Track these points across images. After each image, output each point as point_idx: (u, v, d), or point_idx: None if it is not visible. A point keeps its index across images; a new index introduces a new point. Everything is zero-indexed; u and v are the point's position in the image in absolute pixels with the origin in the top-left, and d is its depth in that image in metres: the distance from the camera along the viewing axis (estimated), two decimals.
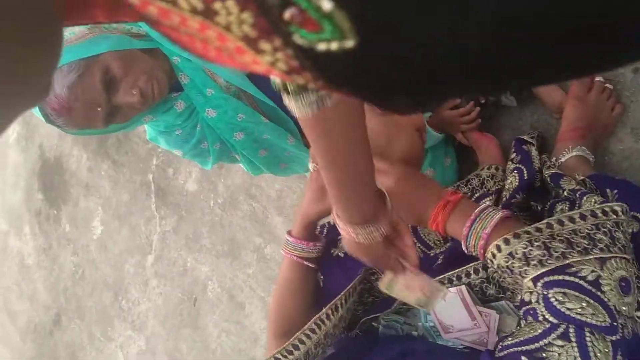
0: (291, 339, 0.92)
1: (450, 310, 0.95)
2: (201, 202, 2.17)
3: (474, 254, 0.86)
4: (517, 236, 0.79)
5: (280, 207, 1.92)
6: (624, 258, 0.81)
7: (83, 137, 2.70)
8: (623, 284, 0.78)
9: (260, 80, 1.31)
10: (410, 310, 1.06)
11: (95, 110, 1.04)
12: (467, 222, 0.85)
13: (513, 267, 0.78)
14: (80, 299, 2.77)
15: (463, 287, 0.94)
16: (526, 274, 0.76)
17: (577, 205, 1.08)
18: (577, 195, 1.08)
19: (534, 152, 1.27)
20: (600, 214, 0.87)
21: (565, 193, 1.12)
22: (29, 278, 3.12)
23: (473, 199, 1.26)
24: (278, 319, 1.09)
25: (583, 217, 0.87)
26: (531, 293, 0.75)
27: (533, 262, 0.76)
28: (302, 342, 0.92)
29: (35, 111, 1.06)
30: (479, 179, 1.35)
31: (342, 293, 1.01)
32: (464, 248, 0.87)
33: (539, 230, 0.81)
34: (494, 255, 0.80)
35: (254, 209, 2.00)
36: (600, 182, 1.11)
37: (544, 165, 1.25)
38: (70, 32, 1.06)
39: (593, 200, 1.00)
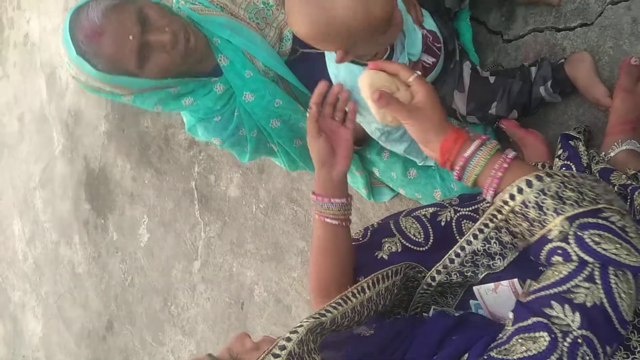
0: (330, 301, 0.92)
1: (502, 303, 0.96)
2: (243, 207, 2.19)
3: (471, 180, 0.84)
4: (549, 175, 0.77)
5: None
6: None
7: (126, 146, 2.77)
8: None
9: (297, 68, 1.32)
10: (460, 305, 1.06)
11: (127, 38, 1.05)
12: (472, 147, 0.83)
13: (543, 203, 0.75)
14: (131, 305, 2.84)
15: (515, 280, 0.93)
16: (562, 212, 0.74)
17: (628, 200, 1.05)
18: (629, 190, 1.05)
19: (582, 147, 1.23)
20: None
21: (615, 189, 1.10)
22: (81, 286, 3.22)
23: None
24: (314, 279, 1.13)
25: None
26: (560, 232, 0.74)
27: (569, 202, 0.75)
28: (340, 304, 0.92)
29: (67, 42, 1.06)
30: None
31: (389, 268, 1.03)
32: (469, 183, 0.85)
33: (568, 177, 0.79)
34: (520, 191, 0.77)
35: (296, 213, 2.01)
36: None
37: (592, 160, 1.22)
38: None
39: None
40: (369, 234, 1.32)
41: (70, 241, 3.27)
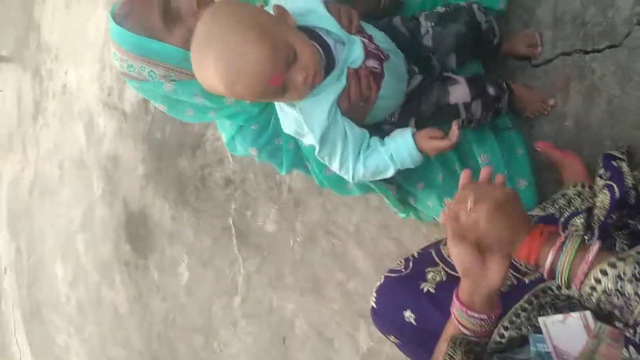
0: None
1: (570, 336, 0.90)
2: (281, 241, 2.22)
3: (563, 281, 0.85)
4: (622, 259, 0.80)
5: (359, 241, 1.94)
6: None
7: (163, 187, 2.84)
8: None
9: None
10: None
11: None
12: (556, 250, 0.85)
13: (624, 289, 0.78)
14: (173, 343, 2.87)
15: (588, 312, 0.89)
16: None
17: None
18: None
19: (625, 167, 1.22)
20: None
21: None
22: (123, 326, 3.27)
23: (563, 219, 1.23)
24: None
25: None
26: None
27: None
28: None
29: (109, 22, 1.13)
30: (566, 198, 1.32)
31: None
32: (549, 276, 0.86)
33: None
34: (598, 281, 0.80)
35: (333, 245, 2.03)
36: None
37: (639, 182, 1.21)
38: None
39: None
40: (410, 264, 1.33)
41: (112, 282, 3.34)
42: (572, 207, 1.29)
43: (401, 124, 1.34)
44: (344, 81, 1.11)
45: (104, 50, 3.32)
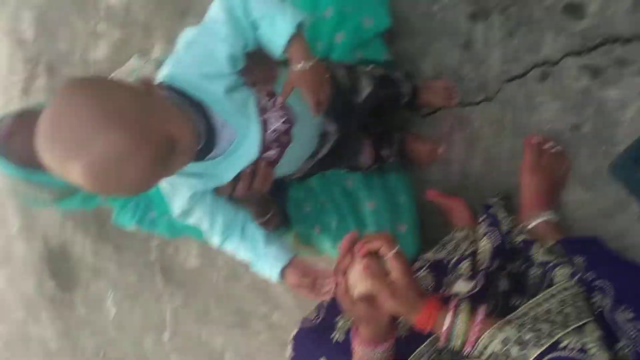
0: None
1: None
2: (205, 276, 2.28)
3: (458, 345, 0.97)
4: (508, 322, 0.93)
5: None
6: (591, 320, 0.97)
7: (83, 223, 2.81)
8: (602, 340, 0.92)
9: None
10: None
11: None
12: (448, 318, 0.96)
13: (509, 352, 0.90)
14: None
15: None
16: (526, 357, 0.89)
17: (548, 276, 1.18)
18: (548, 268, 1.18)
19: (502, 213, 1.36)
20: (561, 291, 1.02)
21: (536, 264, 1.23)
22: None
23: (450, 265, 1.36)
24: None
25: (551, 296, 1.02)
26: None
27: (530, 344, 0.90)
28: None
29: None
30: (454, 242, 1.46)
31: None
32: (445, 342, 0.98)
33: (523, 315, 0.96)
34: (485, 346, 0.92)
35: (255, 279, 2.10)
36: (569, 248, 1.21)
37: (514, 228, 1.34)
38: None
39: (563, 272, 1.13)
40: (321, 314, 1.41)
41: (38, 318, 3.28)
42: (459, 251, 1.42)
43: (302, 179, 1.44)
44: (223, 178, 1.04)
45: (8, 82, 3.21)
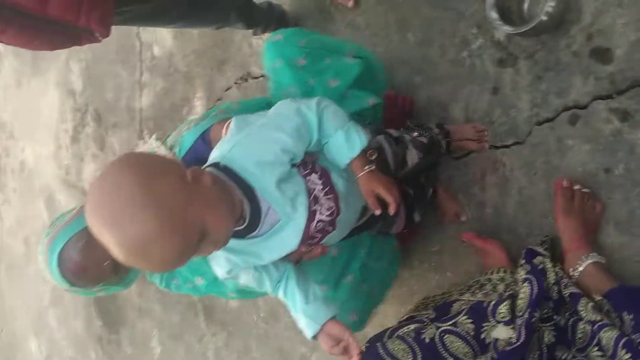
0: None
1: None
2: (245, 317, 2.32)
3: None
4: None
5: None
6: None
7: None
8: None
9: None
10: None
11: (102, 265, 1.22)
12: None
13: None
14: None
15: None
16: None
17: (596, 335, 1.17)
18: (595, 328, 1.17)
19: (549, 264, 1.33)
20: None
21: (584, 320, 1.21)
22: None
23: (490, 308, 1.35)
24: None
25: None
26: None
27: None
28: None
29: (60, 282, 1.24)
30: (492, 283, 1.46)
31: None
32: None
33: None
34: None
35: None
36: (618, 303, 1.20)
37: (561, 279, 1.32)
38: (68, 212, 1.29)
39: (608, 336, 1.13)
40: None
41: (86, 357, 3.38)
42: (496, 292, 1.42)
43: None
44: (263, 259, 1.08)
45: (58, 130, 3.39)
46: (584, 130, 1.37)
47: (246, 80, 2.21)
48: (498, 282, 1.45)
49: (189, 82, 2.48)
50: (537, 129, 1.45)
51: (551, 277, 1.32)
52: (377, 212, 1.10)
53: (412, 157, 1.34)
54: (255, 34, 1.84)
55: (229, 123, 1.05)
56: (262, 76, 2.14)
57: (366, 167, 1.08)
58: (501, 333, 1.28)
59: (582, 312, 1.22)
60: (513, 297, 1.34)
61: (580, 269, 1.30)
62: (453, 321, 1.32)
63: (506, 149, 1.51)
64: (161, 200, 0.80)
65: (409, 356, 1.27)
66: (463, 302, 1.43)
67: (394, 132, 1.36)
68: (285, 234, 1.04)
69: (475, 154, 1.56)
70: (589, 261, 1.29)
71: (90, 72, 3.12)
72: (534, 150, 1.46)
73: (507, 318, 1.29)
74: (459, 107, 1.58)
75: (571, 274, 1.32)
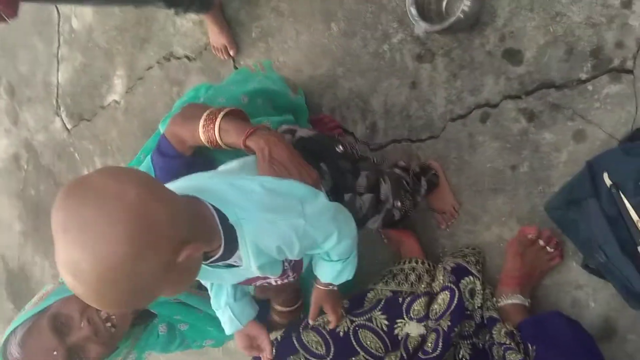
0: None
1: None
2: None
3: None
4: None
5: None
6: None
7: (42, 244, 2.79)
8: None
9: None
10: None
11: (51, 355, 1.06)
12: None
13: None
14: None
15: None
16: None
17: (504, 356, 1.25)
18: (503, 349, 1.26)
19: (479, 285, 1.38)
20: None
21: (496, 343, 1.29)
22: None
23: (405, 304, 1.37)
24: None
25: None
26: None
27: None
28: None
29: None
30: (404, 273, 1.50)
31: None
32: None
33: None
34: None
35: None
36: (526, 334, 1.28)
37: (486, 301, 1.39)
38: (28, 304, 1.15)
39: (514, 358, 1.23)
40: (273, 350, 1.43)
41: None
42: (408, 282, 1.46)
43: None
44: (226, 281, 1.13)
45: None
46: (494, 128, 1.42)
47: (169, 60, 2.14)
48: (410, 271, 1.49)
49: (109, 59, 2.38)
50: (450, 125, 1.49)
51: (477, 300, 1.38)
52: (311, 322, 1.31)
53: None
54: (176, 13, 1.78)
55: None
56: (185, 57, 2.08)
57: (330, 286, 1.20)
58: (412, 329, 1.32)
59: (495, 335, 1.30)
60: (430, 296, 1.38)
61: (502, 304, 1.38)
62: (368, 316, 1.35)
63: (421, 142, 1.55)
64: (137, 276, 0.70)
65: (322, 348, 1.30)
66: (377, 292, 1.47)
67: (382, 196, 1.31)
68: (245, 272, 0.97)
69: (392, 145, 1.59)
70: (510, 301, 1.37)
71: (2, 42, 2.93)
72: (447, 145, 1.50)
73: (421, 315, 1.33)
74: (378, 100, 1.60)
75: (495, 300, 1.40)
